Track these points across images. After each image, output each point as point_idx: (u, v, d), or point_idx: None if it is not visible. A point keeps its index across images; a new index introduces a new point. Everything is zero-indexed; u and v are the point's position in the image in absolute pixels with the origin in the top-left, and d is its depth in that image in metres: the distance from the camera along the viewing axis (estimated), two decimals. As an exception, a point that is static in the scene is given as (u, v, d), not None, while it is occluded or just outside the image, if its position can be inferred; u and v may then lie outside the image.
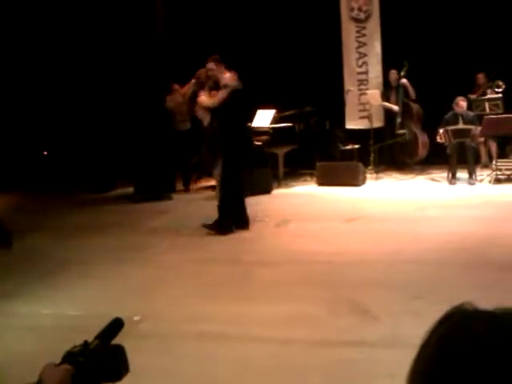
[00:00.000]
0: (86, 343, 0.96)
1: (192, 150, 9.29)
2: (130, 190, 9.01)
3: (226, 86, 6.39)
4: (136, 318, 4.03)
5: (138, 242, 6.18)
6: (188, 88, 7.38)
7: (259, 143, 9.35)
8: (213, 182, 9.31)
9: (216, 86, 6.60)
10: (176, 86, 9.53)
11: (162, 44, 11.02)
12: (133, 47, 10.38)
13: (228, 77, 6.47)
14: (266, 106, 9.53)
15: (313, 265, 5.07)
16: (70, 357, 0.94)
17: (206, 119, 6.80)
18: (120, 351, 0.98)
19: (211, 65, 6.59)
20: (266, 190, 8.63)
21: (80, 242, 6.18)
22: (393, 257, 5.11)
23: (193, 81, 7.04)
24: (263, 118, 9.58)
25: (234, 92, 6.38)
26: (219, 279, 4.86)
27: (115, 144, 9.99)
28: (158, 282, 4.90)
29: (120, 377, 0.97)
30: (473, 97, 9.69)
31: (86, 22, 10.56)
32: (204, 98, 6.64)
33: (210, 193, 8.98)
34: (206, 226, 6.36)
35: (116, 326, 1.01)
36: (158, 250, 5.82)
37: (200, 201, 8.45)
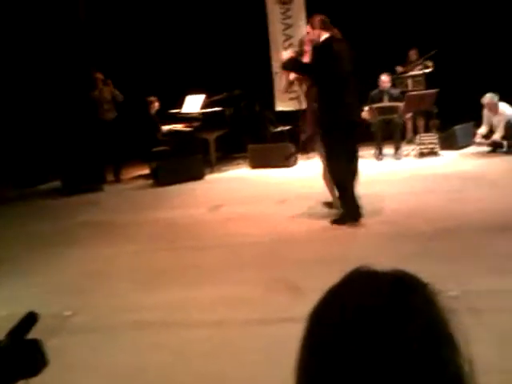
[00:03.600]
0: None
1: (119, 139, 9.14)
2: (58, 183, 8.75)
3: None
4: (67, 313, 3.96)
5: (70, 235, 6.03)
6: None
7: (189, 129, 9.29)
8: (145, 171, 9.24)
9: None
10: (99, 75, 9.30)
11: (84, 33, 10.69)
12: (55, 37, 10.01)
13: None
14: (195, 91, 9.46)
15: (247, 247, 5.12)
16: None
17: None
18: (35, 346, 0.96)
19: (308, 28, 5.70)
20: (199, 176, 8.61)
21: (4, 239, 5.97)
22: (322, 234, 5.23)
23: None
24: (193, 104, 9.51)
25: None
26: (155, 268, 4.83)
27: (40, 137, 9.65)
28: (93, 275, 4.81)
29: (36, 372, 0.95)
30: (399, 69, 9.93)
31: (6, 13, 10.09)
32: None
33: (142, 182, 8.88)
34: (335, 222, 5.47)
35: (28, 320, 0.99)
36: (91, 243, 5.70)
37: (132, 191, 8.34)
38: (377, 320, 0.66)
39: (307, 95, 5.98)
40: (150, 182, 8.66)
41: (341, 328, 0.67)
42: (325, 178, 5.82)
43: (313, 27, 5.54)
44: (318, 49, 5.39)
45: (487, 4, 9.73)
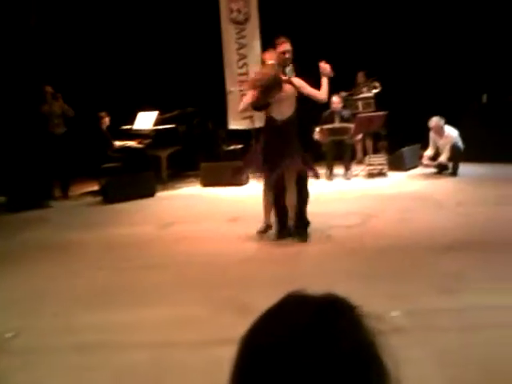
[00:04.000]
0: None
1: (68, 155, 8.95)
2: (3, 199, 8.47)
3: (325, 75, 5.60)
4: (8, 335, 3.80)
5: (13, 253, 5.83)
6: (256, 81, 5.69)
7: (141, 146, 9.20)
8: (94, 187, 9.06)
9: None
10: (48, 89, 9.12)
11: (35, 46, 10.48)
12: (4, 49, 9.77)
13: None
14: (148, 107, 9.39)
15: (196, 266, 5.06)
16: None
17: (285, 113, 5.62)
18: None
19: (288, 45, 5.65)
20: (150, 193, 8.50)
21: None
22: (273, 253, 5.24)
23: (270, 62, 5.65)
24: (145, 120, 9.44)
25: None
26: (100, 287, 4.71)
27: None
28: (36, 295, 4.65)
29: None
30: (344, 94, 10.17)
31: None
32: (314, 90, 5.59)
33: (90, 199, 8.70)
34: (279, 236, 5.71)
35: None
36: (35, 261, 5.52)
37: (80, 208, 8.16)
38: (303, 343, 0.66)
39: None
40: (99, 198, 8.49)
41: (268, 351, 0.67)
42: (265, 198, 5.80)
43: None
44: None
45: (435, 27, 10.09)
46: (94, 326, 3.88)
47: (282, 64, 5.62)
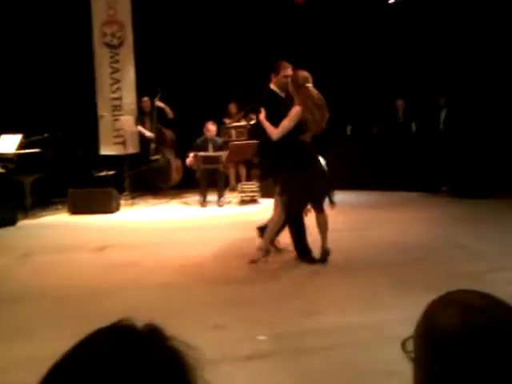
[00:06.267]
0: None
1: None
2: None
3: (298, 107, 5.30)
4: None
5: None
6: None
7: (3, 171, 8.61)
8: None
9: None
10: None
11: None
12: None
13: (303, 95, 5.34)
14: (12, 131, 8.84)
15: (56, 300, 4.75)
16: None
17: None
18: None
19: (290, 71, 5.51)
20: (10, 222, 7.94)
21: None
22: (139, 284, 5.07)
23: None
24: (8, 144, 8.85)
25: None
26: None
27: None
28: None
29: None
30: (227, 121, 10.38)
31: None
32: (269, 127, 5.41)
33: None
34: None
35: None
36: None
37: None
38: (117, 375, 0.67)
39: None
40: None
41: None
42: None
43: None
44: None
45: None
46: None
47: (284, 87, 5.58)
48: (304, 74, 5.43)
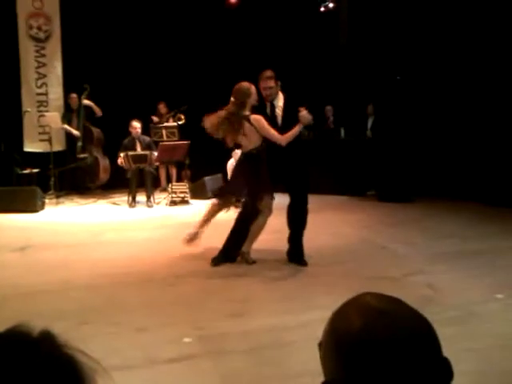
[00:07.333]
0: None
1: None
2: None
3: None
4: None
5: None
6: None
7: None
8: None
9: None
10: None
11: None
12: None
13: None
14: None
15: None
16: None
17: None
18: None
19: (271, 82, 5.43)
20: None
21: None
22: (62, 286, 4.92)
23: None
24: None
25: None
26: None
27: None
28: None
29: None
30: (155, 119, 10.26)
31: None
32: (271, 132, 5.30)
33: None
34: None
35: None
36: None
37: None
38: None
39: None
40: None
41: None
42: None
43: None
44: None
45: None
46: None
47: (266, 99, 5.51)
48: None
